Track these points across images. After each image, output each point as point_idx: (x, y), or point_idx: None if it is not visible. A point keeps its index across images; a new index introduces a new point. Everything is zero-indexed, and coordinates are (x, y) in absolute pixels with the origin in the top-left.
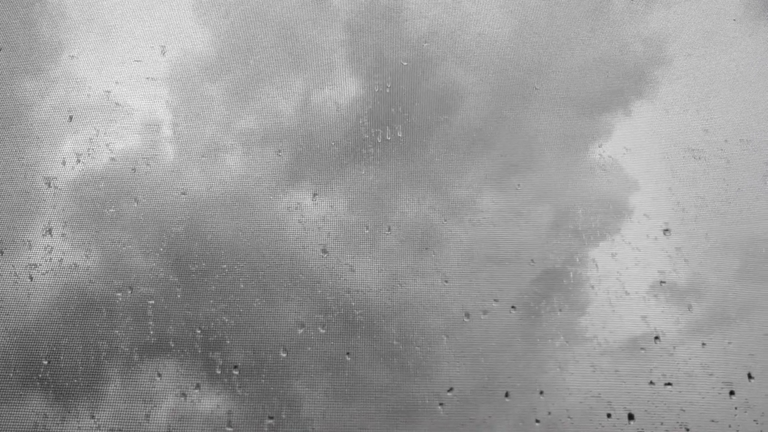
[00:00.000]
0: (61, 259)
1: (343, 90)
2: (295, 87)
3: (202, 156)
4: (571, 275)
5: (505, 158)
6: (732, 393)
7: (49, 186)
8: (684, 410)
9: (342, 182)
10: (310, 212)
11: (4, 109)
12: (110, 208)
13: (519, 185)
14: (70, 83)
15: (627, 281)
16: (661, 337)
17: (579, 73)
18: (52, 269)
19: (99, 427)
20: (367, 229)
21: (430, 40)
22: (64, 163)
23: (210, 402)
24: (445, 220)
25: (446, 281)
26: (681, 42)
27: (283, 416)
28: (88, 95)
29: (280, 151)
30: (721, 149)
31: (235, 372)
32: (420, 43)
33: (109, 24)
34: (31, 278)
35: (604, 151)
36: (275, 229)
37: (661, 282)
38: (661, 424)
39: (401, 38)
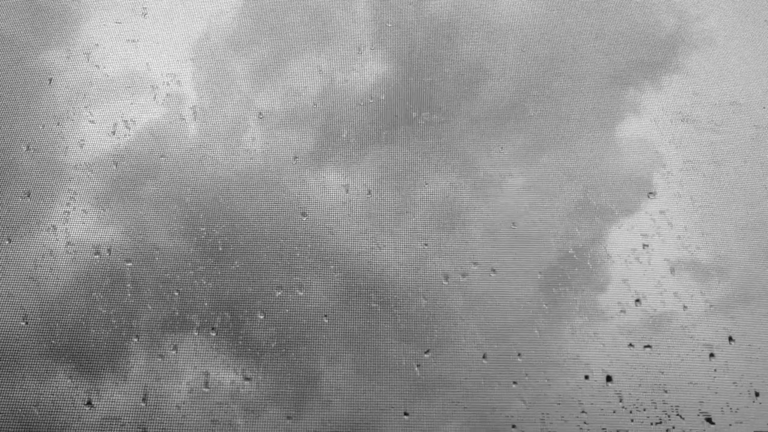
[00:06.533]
0: (38, 221)
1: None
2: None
3: (182, 118)
4: (553, 239)
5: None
6: (712, 355)
7: (28, 149)
8: (663, 372)
9: (330, 150)
10: (291, 176)
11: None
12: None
13: (502, 147)
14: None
15: (609, 244)
16: (641, 300)
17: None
18: (30, 231)
19: (76, 387)
20: (347, 191)
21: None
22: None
23: (187, 363)
24: (426, 183)
25: (426, 244)
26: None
27: (260, 378)
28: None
29: (261, 114)
30: (710, 112)
31: (213, 334)
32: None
33: None
34: (9, 240)
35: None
36: (256, 193)
37: (644, 245)
38: (639, 385)
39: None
